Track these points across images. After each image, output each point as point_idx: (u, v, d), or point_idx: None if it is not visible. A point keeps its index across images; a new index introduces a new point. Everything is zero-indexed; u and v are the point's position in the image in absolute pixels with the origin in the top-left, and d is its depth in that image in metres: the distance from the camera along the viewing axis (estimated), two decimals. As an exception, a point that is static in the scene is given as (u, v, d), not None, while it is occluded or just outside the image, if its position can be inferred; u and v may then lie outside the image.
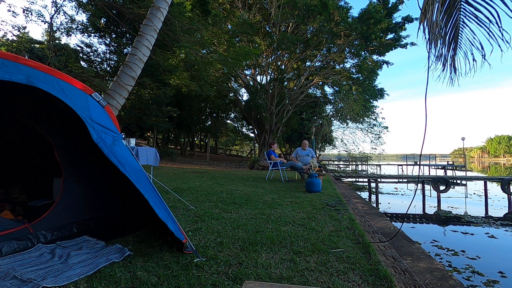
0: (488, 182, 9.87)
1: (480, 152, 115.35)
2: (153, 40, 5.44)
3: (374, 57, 20.25)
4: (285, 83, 21.26)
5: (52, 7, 14.16)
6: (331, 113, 22.93)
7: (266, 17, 18.12)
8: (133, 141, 4.29)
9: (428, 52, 2.02)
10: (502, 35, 1.97)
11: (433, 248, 4.30)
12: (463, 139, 22.08)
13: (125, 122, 15.72)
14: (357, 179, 13.61)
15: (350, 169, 26.06)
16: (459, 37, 2.28)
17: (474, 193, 11.02)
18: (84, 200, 2.49)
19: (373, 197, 9.84)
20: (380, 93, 21.48)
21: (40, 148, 3.07)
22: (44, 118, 2.46)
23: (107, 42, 15.78)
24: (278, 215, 3.18)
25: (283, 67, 19.88)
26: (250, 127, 25.67)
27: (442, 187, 9.31)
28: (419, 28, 2.00)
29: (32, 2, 11.65)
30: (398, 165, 26.21)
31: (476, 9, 2.04)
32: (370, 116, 22.28)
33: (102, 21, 14.47)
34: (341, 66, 20.06)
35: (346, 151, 24.85)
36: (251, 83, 20.72)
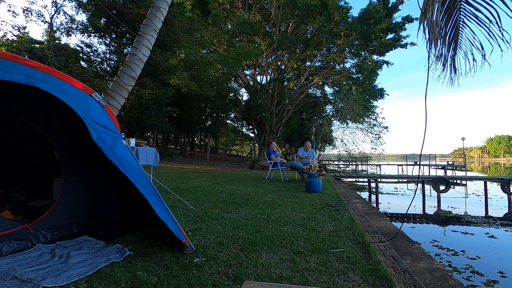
0: (488, 182, 9.87)
1: (480, 152, 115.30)
2: (153, 40, 5.44)
3: (374, 57, 20.25)
4: (285, 83, 21.25)
5: (52, 7, 14.17)
6: (331, 113, 22.92)
7: (266, 17, 18.11)
8: (133, 141, 4.29)
9: (428, 52, 2.02)
10: (502, 35, 1.97)
11: (433, 248, 4.30)
12: (463, 139, 22.08)
13: (125, 122, 15.71)
14: (357, 179, 13.61)
15: (350, 169, 26.05)
16: (459, 37, 2.28)
17: (473, 193, 11.02)
18: (84, 200, 2.49)
19: (373, 197, 9.84)
20: (380, 93, 21.47)
21: (40, 148, 3.07)
22: (44, 118, 2.46)
23: (107, 42, 15.78)
24: (278, 215, 3.18)
25: (283, 67, 19.87)
26: (250, 127, 25.66)
27: (442, 187, 9.31)
28: (419, 28, 2.00)
29: (32, 2, 11.65)
30: (398, 165, 26.20)
31: (476, 9, 2.04)
32: (370, 116, 22.27)
33: (102, 21, 14.46)
34: (341, 66, 20.04)
35: (346, 151, 24.83)
36: (251, 83, 20.71)
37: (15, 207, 2.88)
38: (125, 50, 15.25)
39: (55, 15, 12.30)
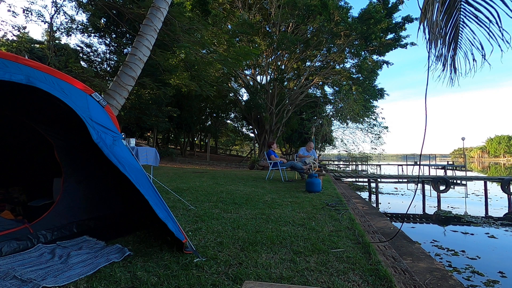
0: (488, 182, 9.87)
1: (480, 152, 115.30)
2: (153, 40, 5.44)
3: (374, 57, 20.24)
4: (285, 83, 21.26)
5: (52, 7, 14.17)
6: (331, 113, 22.92)
7: (266, 17, 18.12)
8: (133, 141, 4.30)
9: (428, 52, 2.02)
10: (502, 35, 1.97)
11: (433, 248, 4.30)
12: (463, 139, 22.08)
13: (125, 122, 15.71)
14: (357, 179, 13.60)
15: (350, 169, 26.04)
16: (459, 37, 2.28)
17: (473, 193, 11.02)
18: (84, 200, 2.49)
19: (373, 197, 9.84)
20: (380, 93, 21.47)
21: (40, 148, 3.07)
22: (44, 118, 2.46)
23: (107, 42, 15.79)
24: (278, 215, 3.18)
25: (283, 67, 19.88)
26: (250, 127, 25.68)
27: (442, 187, 9.31)
28: (419, 28, 2.00)
29: (32, 2, 11.65)
30: (398, 165, 26.18)
31: (476, 9, 2.04)
32: (370, 116, 22.26)
33: (102, 21, 14.47)
34: (341, 66, 20.05)
35: (346, 151, 24.82)
36: (251, 83, 20.72)
37: (15, 207, 2.88)
38: (125, 50, 15.25)
39: (55, 15, 12.31)
